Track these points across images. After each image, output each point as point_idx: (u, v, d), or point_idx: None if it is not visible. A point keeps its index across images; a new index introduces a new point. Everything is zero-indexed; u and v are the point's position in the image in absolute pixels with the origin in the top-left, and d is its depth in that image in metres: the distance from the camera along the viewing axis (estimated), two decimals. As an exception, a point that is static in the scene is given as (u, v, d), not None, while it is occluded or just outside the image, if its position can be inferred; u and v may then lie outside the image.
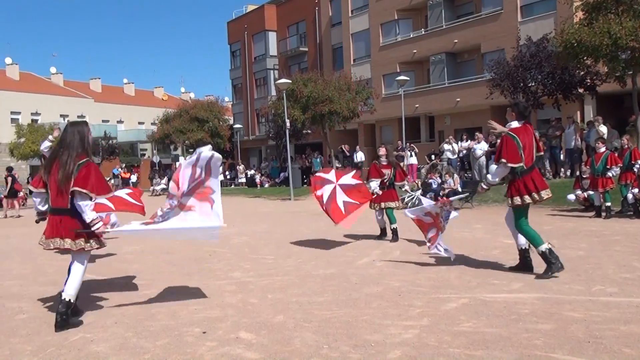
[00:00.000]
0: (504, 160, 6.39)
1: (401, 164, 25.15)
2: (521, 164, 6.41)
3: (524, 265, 6.82)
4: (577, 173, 14.90)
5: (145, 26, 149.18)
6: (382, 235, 10.20)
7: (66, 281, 5.26)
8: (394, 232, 9.94)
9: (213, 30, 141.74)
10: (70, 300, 5.19)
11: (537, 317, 4.84)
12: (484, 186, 6.94)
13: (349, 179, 9.42)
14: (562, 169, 19.93)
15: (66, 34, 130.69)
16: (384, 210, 9.97)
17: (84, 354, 4.42)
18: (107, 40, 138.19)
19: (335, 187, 9.22)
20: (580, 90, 21.87)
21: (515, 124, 6.62)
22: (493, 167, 6.90)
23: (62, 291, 5.19)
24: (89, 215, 5.13)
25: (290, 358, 4.13)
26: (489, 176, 6.97)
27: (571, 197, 13.58)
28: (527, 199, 6.46)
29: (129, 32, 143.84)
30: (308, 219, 15.04)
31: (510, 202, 6.57)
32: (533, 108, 22.77)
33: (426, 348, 4.20)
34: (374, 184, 9.88)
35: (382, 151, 10.16)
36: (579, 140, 18.59)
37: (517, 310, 5.05)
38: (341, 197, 9.13)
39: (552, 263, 6.33)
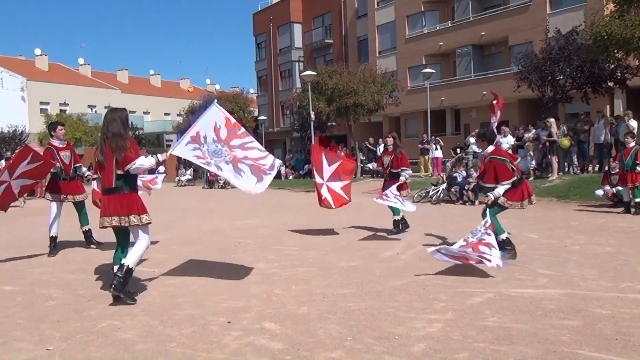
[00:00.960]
0: (504, 182, 7.17)
1: (426, 157, 25.22)
2: (515, 178, 7.19)
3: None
4: (606, 168, 14.67)
5: (172, 18, 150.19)
6: (398, 228, 10.08)
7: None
8: (395, 224, 9.91)
9: (238, 21, 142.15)
10: (130, 266, 5.58)
11: (563, 313, 4.79)
12: (492, 197, 7.33)
13: (337, 186, 10.21)
14: (591, 164, 19.63)
15: (94, 25, 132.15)
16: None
17: (111, 340, 4.50)
18: (134, 31, 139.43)
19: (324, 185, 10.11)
20: (610, 84, 21.51)
21: (491, 148, 7.43)
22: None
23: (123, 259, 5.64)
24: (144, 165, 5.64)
25: (314, 349, 4.15)
26: (496, 192, 7.29)
27: (599, 192, 13.38)
28: (518, 205, 7.31)
29: (155, 23, 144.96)
30: (332, 211, 15.02)
31: (509, 203, 7.27)
32: (561, 102, 22.48)
33: (450, 342, 4.18)
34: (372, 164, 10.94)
35: (389, 141, 10.28)
36: (609, 134, 18.28)
37: (543, 306, 5.01)
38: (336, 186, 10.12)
39: (507, 250, 7.16)
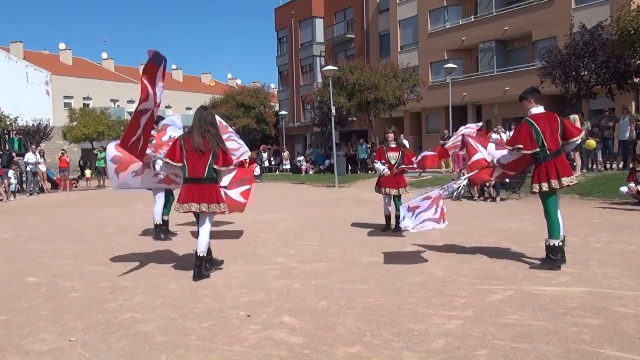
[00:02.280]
0: (519, 145, 6.46)
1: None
2: (536, 150, 6.42)
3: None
4: (631, 165, 14.46)
5: (194, 12, 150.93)
6: (387, 226, 10.02)
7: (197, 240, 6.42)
8: (399, 219, 9.81)
9: (260, 16, 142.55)
10: (202, 255, 6.37)
11: (585, 311, 4.74)
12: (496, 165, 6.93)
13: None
14: (615, 161, 19.36)
15: (117, 20, 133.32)
16: (391, 196, 9.83)
17: (132, 332, 4.55)
18: (156, 26, 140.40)
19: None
20: (636, 80, 21.18)
21: (535, 110, 6.67)
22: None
23: (196, 249, 6.38)
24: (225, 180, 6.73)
25: (333, 344, 4.15)
26: (500, 158, 6.92)
27: (624, 189, 13.18)
28: (545, 186, 6.38)
29: (177, 18, 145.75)
30: (352, 206, 15.04)
31: (531, 189, 6.53)
32: (585, 98, 22.21)
33: (470, 339, 4.16)
34: (381, 166, 9.90)
35: (390, 136, 9.94)
36: (634, 131, 18.00)
37: (564, 304, 4.95)
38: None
39: (553, 260, 6.38)
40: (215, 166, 6.27)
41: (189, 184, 6.30)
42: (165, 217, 9.86)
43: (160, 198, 9.57)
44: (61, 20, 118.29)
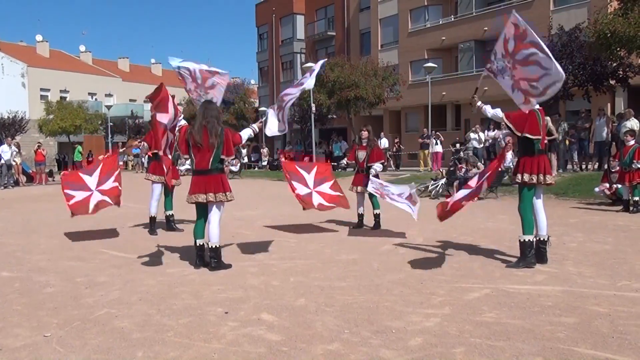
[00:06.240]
0: (527, 133, 6.49)
1: (426, 151, 25.20)
2: (539, 138, 6.53)
3: (537, 256, 6.62)
4: (606, 166, 14.67)
5: (174, 7, 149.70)
6: (360, 224, 10.07)
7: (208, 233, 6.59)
8: (376, 217, 9.87)
9: (241, 12, 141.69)
10: (217, 246, 6.54)
11: (560, 310, 4.80)
12: (479, 104, 7.26)
13: (326, 187, 9.85)
14: (590, 162, 19.62)
15: (96, 13, 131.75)
16: (366, 194, 9.83)
17: (108, 328, 4.50)
18: (136, 20, 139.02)
19: (311, 193, 9.60)
20: (612, 82, 21.47)
21: (536, 104, 6.64)
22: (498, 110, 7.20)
23: (209, 241, 6.56)
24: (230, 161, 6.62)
25: (311, 341, 4.15)
26: (495, 111, 7.11)
27: (599, 189, 13.38)
28: (535, 178, 6.53)
29: (157, 13, 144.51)
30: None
31: (520, 178, 6.62)
32: (562, 99, 22.46)
33: (447, 337, 4.19)
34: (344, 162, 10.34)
35: (364, 134, 9.97)
36: (609, 132, 18.26)
37: (540, 303, 5.01)
38: (317, 199, 9.53)
39: (527, 256, 6.49)
40: (222, 156, 6.53)
41: (196, 176, 6.58)
42: (168, 212, 9.78)
43: (156, 191, 9.49)
44: (38, 12, 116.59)
